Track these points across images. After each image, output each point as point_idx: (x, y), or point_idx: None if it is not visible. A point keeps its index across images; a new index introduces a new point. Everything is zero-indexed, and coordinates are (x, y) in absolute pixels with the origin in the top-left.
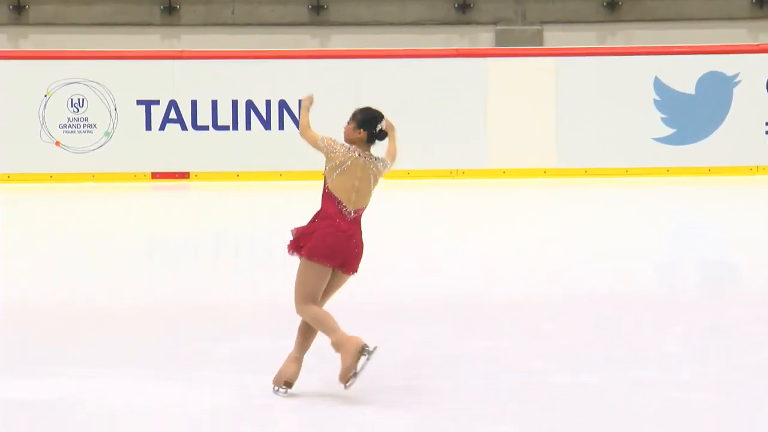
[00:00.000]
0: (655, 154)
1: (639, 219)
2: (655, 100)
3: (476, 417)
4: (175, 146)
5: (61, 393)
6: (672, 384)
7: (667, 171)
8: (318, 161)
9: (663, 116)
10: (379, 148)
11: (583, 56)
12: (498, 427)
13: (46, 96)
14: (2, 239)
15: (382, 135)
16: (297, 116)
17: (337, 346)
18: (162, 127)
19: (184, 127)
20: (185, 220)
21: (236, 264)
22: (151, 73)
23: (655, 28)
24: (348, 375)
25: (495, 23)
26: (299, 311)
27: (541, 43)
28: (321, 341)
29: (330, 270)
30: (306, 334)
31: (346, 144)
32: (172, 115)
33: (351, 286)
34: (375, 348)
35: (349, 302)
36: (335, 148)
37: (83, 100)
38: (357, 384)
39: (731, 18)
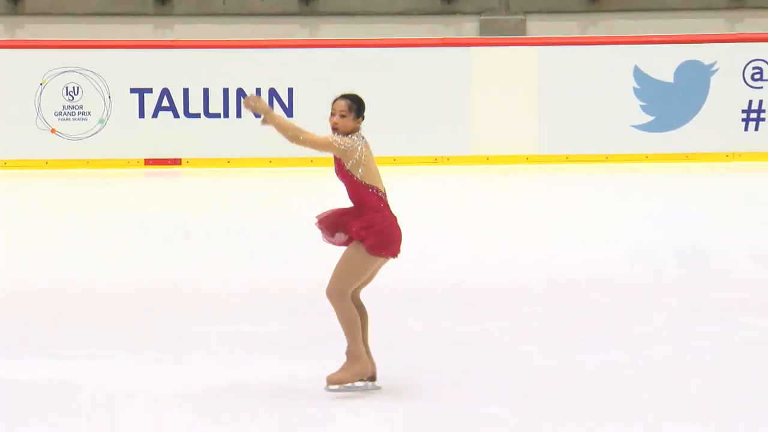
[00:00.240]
0: (635, 141)
1: (619, 205)
2: (634, 88)
3: (462, 398)
4: (168, 133)
5: (55, 374)
6: (654, 366)
7: (646, 157)
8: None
9: (642, 104)
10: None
11: (564, 45)
12: (484, 408)
13: (41, 84)
14: None
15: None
16: (286, 104)
17: (352, 357)
18: (155, 115)
19: (176, 115)
20: (178, 205)
21: (229, 248)
22: (144, 62)
23: (635, 18)
24: (338, 384)
25: (479, 13)
26: (336, 298)
27: (524, 32)
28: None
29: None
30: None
31: (349, 135)
32: (165, 102)
33: None
34: (378, 387)
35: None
36: (351, 143)
37: (78, 88)
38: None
39: (709, 8)
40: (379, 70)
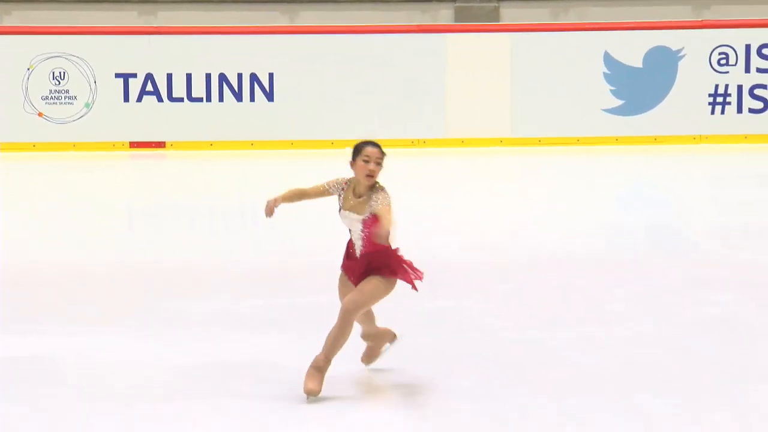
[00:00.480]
0: (605, 124)
1: (589, 186)
2: (604, 74)
3: (436, 373)
4: (152, 117)
5: (42, 350)
6: (621, 340)
7: (616, 140)
8: (286, 131)
9: (612, 88)
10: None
11: (537, 32)
12: (457, 381)
13: (29, 69)
14: None
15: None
16: (266, 89)
17: (314, 367)
18: (139, 99)
19: (160, 99)
20: (162, 187)
21: (212, 228)
22: (128, 48)
23: (605, 6)
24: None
25: (454, 0)
26: (351, 312)
27: (497, 19)
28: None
29: None
30: (372, 326)
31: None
32: (149, 87)
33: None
34: (310, 398)
35: (317, 265)
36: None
37: (64, 73)
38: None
39: None
40: (358, 55)
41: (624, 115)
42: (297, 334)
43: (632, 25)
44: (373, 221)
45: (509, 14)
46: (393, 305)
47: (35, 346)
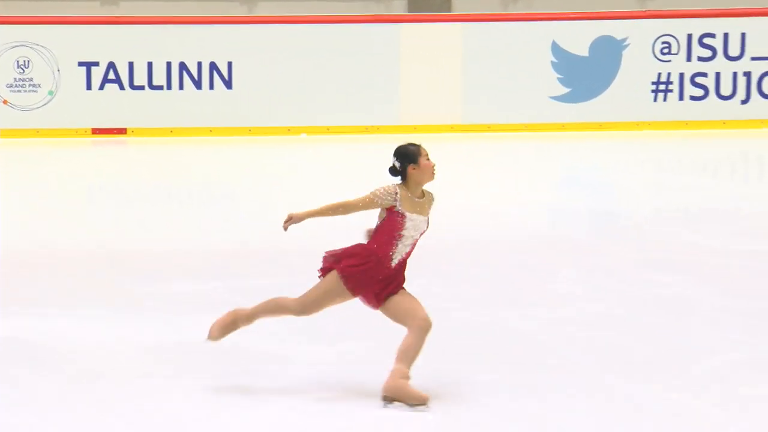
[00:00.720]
0: (553, 111)
1: (537, 170)
2: (552, 62)
3: (389, 352)
4: (114, 104)
5: (3, 332)
6: (569, 320)
7: (563, 126)
8: (244, 118)
9: (559, 77)
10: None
11: (487, 22)
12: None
13: None
14: None
15: (391, 171)
16: (225, 78)
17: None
18: (101, 87)
19: (121, 87)
20: (123, 172)
21: (171, 212)
22: (91, 37)
23: None
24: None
25: None
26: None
27: (449, 9)
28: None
29: None
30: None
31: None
32: (111, 75)
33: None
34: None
35: (275, 248)
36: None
37: (28, 61)
38: (265, 323)
39: None
40: (314, 45)
41: (571, 102)
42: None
43: (579, 16)
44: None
45: (461, 5)
46: None
47: (2, 330)
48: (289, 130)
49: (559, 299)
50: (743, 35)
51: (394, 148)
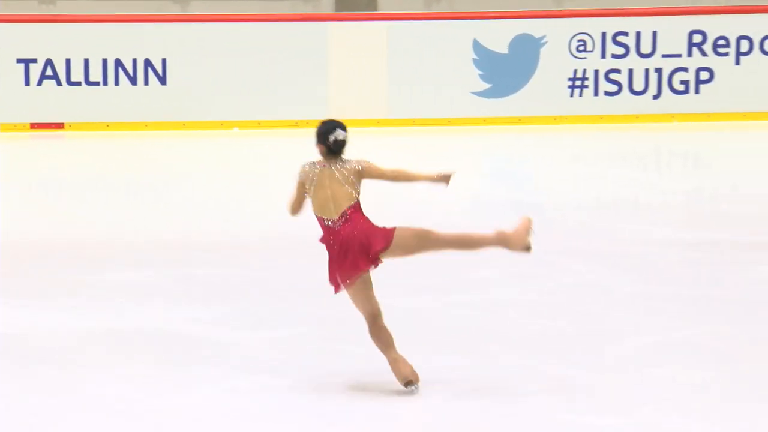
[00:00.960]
0: (474, 106)
1: (460, 163)
2: (473, 59)
3: (326, 338)
4: (52, 100)
5: None
6: (491, 305)
7: (484, 121)
8: (178, 113)
9: (480, 73)
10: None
11: (411, 21)
12: (344, 346)
13: None
14: None
15: (337, 145)
16: (160, 74)
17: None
18: (39, 83)
19: (59, 83)
20: (61, 164)
21: (109, 202)
22: (29, 35)
23: None
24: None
25: None
26: (428, 235)
27: (375, 8)
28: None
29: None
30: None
31: (313, 161)
32: (49, 72)
33: (213, 225)
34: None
35: (211, 238)
36: (302, 175)
37: None
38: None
39: None
40: (246, 43)
41: (491, 97)
42: (192, 303)
43: (498, 15)
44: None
45: (386, 4)
46: (286, 273)
47: None
48: (221, 125)
49: (476, 286)
50: (654, 33)
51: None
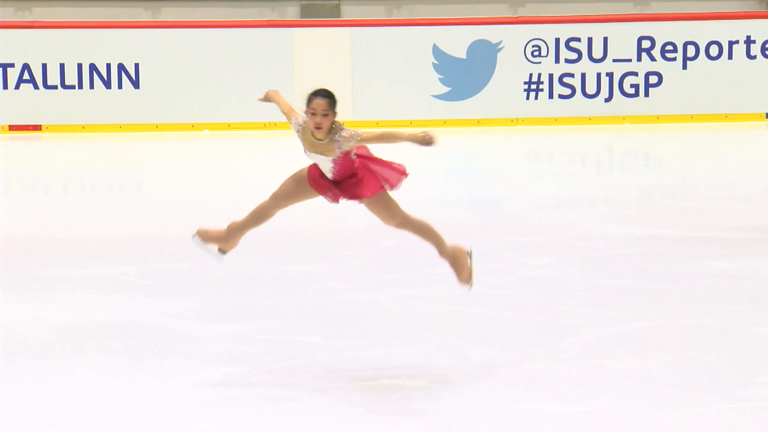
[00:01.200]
0: (434, 108)
1: (421, 163)
2: (433, 64)
3: (287, 330)
4: (29, 103)
5: None
6: (449, 299)
7: (444, 122)
8: (151, 115)
9: (440, 77)
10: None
11: (373, 27)
12: (306, 338)
13: None
14: None
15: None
16: (133, 78)
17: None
18: (17, 87)
19: (36, 86)
20: (38, 164)
21: (82, 200)
22: (6, 40)
23: (433, 4)
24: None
25: None
26: (403, 223)
27: (339, 15)
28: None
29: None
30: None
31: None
32: (26, 76)
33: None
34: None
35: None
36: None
37: None
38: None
39: None
40: (215, 48)
41: (451, 100)
42: (163, 298)
43: (457, 21)
44: (345, 159)
45: (349, 11)
46: (247, 268)
47: None
48: (193, 126)
49: (437, 280)
50: (605, 39)
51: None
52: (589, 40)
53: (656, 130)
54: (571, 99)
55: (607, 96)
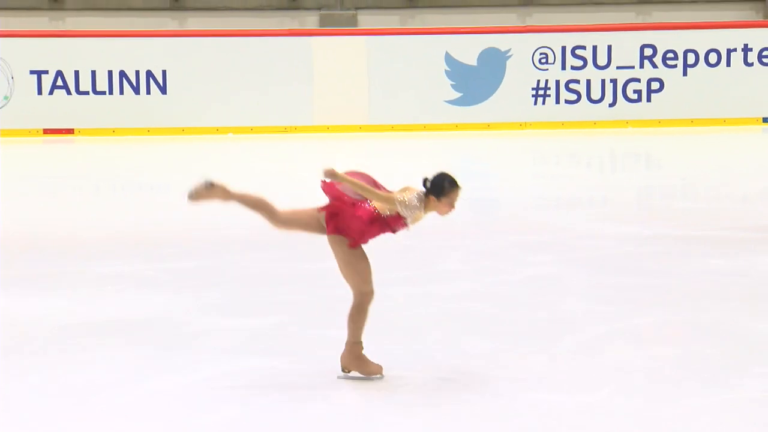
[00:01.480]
0: (447, 113)
1: (433, 164)
2: (446, 71)
3: (307, 324)
4: (62, 107)
5: None
6: (454, 296)
7: (456, 127)
8: (178, 120)
9: (452, 83)
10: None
11: (389, 35)
12: (325, 331)
13: None
14: None
15: (424, 182)
16: (160, 84)
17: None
18: (51, 92)
19: (69, 92)
20: (71, 166)
21: (114, 200)
22: (41, 49)
23: (445, 14)
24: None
25: (319, 9)
26: (361, 296)
27: (355, 24)
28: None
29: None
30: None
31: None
32: (59, 82)
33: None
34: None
35: (195, 235)
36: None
37: None
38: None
39: (504, 5)
40: (238, 55)
41: (462, 105)
42: (174, 294)
43: (468, 30)
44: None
45: (366, 20)
46: (267, 266)
47: None
48: (217, 130)
49: (440, 277)
50: (609, 47)
51: (440, 172)
52: (594, 48)
53: (658, 133)
54: (576, 104)
55: (611, 101)
